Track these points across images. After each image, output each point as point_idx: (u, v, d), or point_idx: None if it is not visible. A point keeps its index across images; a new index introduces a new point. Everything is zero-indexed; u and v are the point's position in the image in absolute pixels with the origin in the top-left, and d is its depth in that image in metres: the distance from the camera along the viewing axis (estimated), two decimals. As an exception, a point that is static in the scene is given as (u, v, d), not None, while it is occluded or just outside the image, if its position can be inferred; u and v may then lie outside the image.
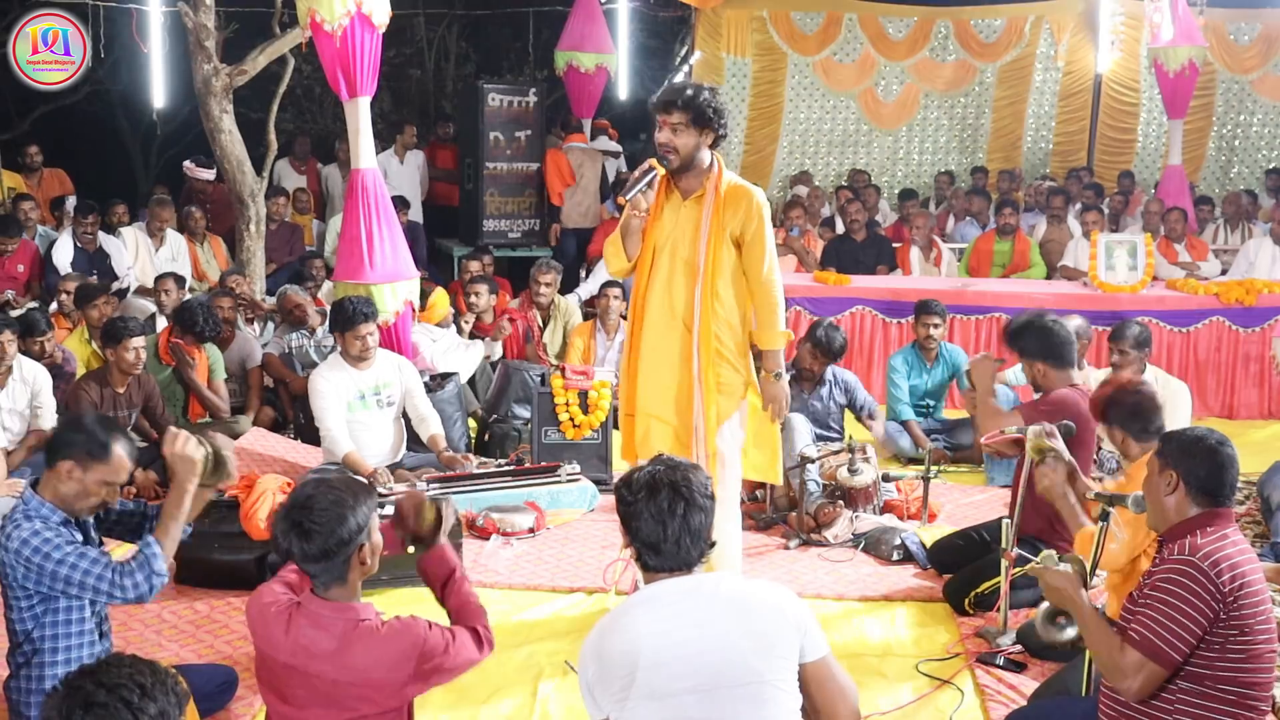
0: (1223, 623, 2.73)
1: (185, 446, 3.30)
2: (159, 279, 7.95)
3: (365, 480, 5.18)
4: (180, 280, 8.01)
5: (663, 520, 2.60)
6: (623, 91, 12.69)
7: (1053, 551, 3.39)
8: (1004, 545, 4.19)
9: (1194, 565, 2.74)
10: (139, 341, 6.11)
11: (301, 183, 11.49)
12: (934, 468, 6.00)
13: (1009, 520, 4.29)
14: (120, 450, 3.26)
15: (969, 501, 6.14)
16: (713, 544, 2.69)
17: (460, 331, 7.60)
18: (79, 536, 3.30)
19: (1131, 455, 4.00)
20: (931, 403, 7.24)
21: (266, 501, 4.87)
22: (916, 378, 7.18)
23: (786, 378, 4.41)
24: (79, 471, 3.23)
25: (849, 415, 6.77)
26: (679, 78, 14.54)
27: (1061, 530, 4.19)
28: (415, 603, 4.62)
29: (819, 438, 6.31)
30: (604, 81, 11.33)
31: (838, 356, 6.43)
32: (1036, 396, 4.78)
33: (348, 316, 5.81)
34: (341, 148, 11.86)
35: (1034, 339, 4.69)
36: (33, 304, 7.72)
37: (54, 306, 7.68)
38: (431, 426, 6.05)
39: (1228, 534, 2.83)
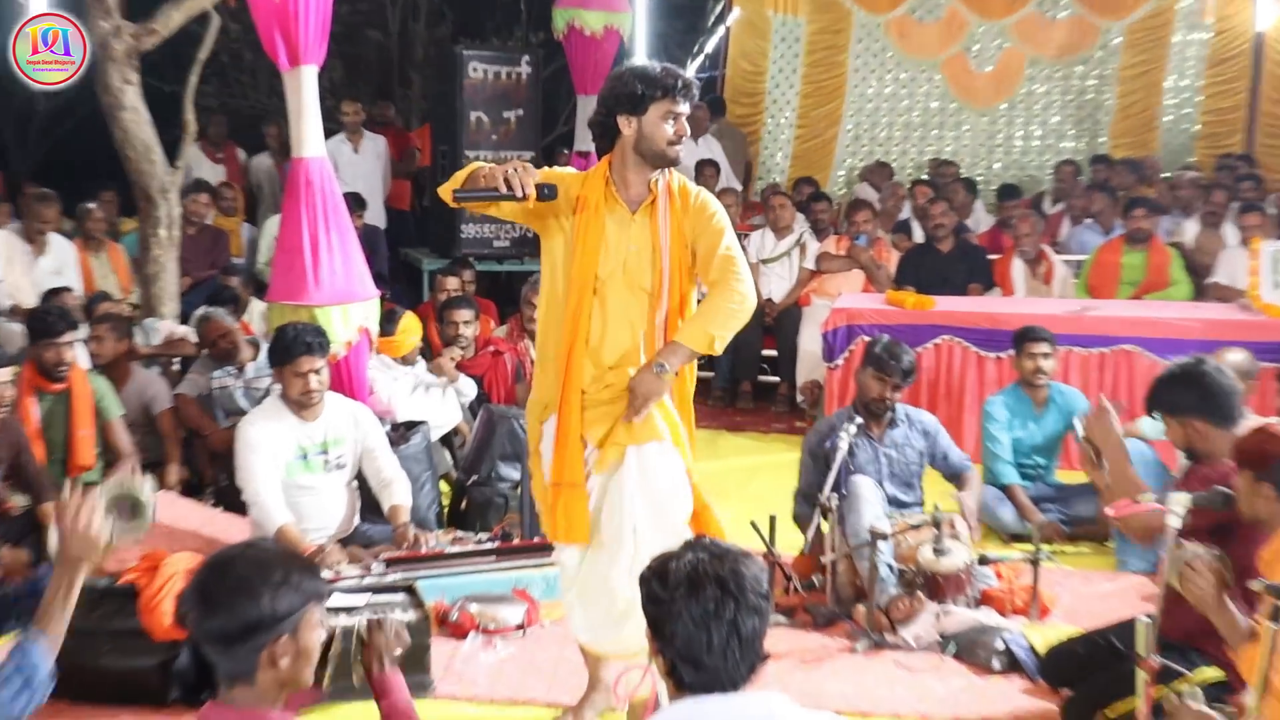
0: None
1: (84, 522, 3.25)
2: (95, 323, 7.51)
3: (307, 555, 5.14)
4: (121, 326, 7.48)
5: (707, 625, 2.61)
6: (640, 61, 12.73)
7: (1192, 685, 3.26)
8: (1141, 652, 4.12)
9: None
10: (4, 375, 6.05)
11: (218, 174, 11.53)
12: (1046, 547, 5.94)
13: (1148, 619, 4.22)
14: None
15: (1093, 593, 6.09)
16: (765, 657, 2.68)
17: (441, 371, 7.56)
18: None
19: (1275, 525, 3.95)
20: (1041, 461, 7.20)
21: (175, 588, 4.83)
22: (1021, 428, 7.14)
23: (670, 377, 4.38)
24: None
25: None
26: (712, 44, 14.59)
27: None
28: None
29: (896, 503, 6.25)
30: (615, 48, 11.36)
31: (908, 376, 6.34)
32: (1185, 462, 4.71)
33: (284, 347, 5.83)
34: (272, 130, 11.94)
35: (1185, 391, 4.63)
36: None
37: None
38: (396, 495, 6.03)
39: None
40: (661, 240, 4.39)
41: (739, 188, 12.41)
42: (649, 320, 4.42)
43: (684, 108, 4.37)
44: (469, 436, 7.29)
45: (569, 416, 4.40)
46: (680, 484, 4.43)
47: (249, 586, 2.74)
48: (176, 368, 8.12)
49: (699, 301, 4.45)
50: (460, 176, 4.40)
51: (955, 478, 6.49)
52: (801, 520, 6.16)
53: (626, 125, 4.37)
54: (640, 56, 12.60)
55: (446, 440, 7.46)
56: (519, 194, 4.20)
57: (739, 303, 4.33)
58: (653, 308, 4.42)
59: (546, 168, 4.58)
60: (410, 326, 7.56)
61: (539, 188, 4.26)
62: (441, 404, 7.42)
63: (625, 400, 4.34)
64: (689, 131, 4.47)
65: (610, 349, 4.41)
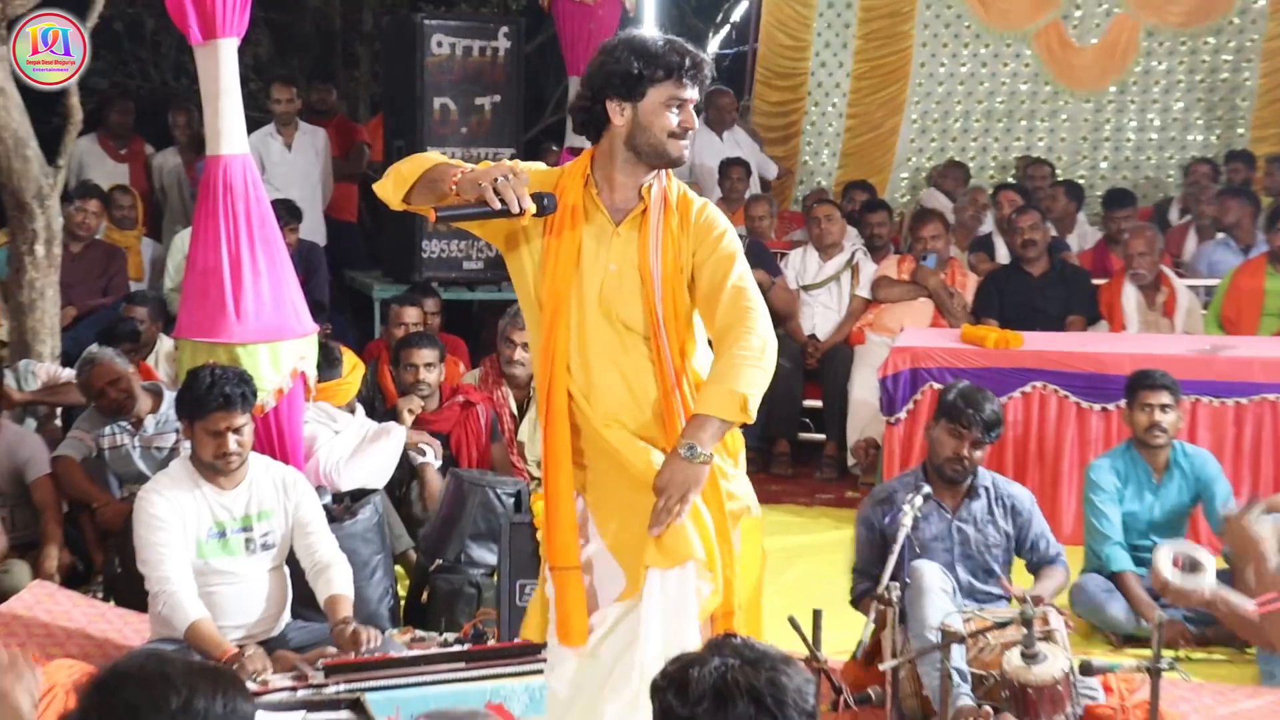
0: None
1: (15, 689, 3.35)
2: None
3: (224, 667, 5.16)
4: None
5: None
6: (649, 32, 12.81)
7: None
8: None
9: None
10: None
11: (120, 175, 11.56)
12: (1168, 653, 5.93)
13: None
14: None
15: (1231, 712, 6.08)
16: None
17: (400, 419, 7.59)
18: None
19: None
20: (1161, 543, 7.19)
21: (55, 706, 4.86)
22: (1136, 500, 7.14)
23: (705, 460, 4.25)
24: None
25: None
26: (740, 12, 14.68)
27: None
28: None
29: (972, 594, 6.27)
30: (615, 17, 11.44)
31: (991, 429, 6.35)
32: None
33: (197, 398, 5.81)
34: (180, 121, 11.99)
35: None
36: None
37: None
38: (335, 583, 5.99)
39: None
40: (651, 263, 4.32)
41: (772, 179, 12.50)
42: (657, 378, 4.34)
43: (692, 93, 4.32)
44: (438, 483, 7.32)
45: (555, 480, 4.38)
46: (694, 620, 4.31)
47: (136, 715, 2.70)
48: (58, 423, 8.13)
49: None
50: (408, 173, 4.34)
51: (1039, 569, 6.47)
52: (864, 602, 6.15)
53: (618, 113, 4.31)
54: (649, 28, 12.69)
55: (403, 507, 7.47)
56: (514, 209, 4.09)
57: (758, 351, 4.21)
58: (656, 362, 4.35)
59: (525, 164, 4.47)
60: (357, 374, 7.60)
61: (535, 199, 4.16)
62: (383, 451, 7.38)
63: (638, 489, 4.25)
64: (696, 124, 4.39)
65: (600, 402, 4.36)
